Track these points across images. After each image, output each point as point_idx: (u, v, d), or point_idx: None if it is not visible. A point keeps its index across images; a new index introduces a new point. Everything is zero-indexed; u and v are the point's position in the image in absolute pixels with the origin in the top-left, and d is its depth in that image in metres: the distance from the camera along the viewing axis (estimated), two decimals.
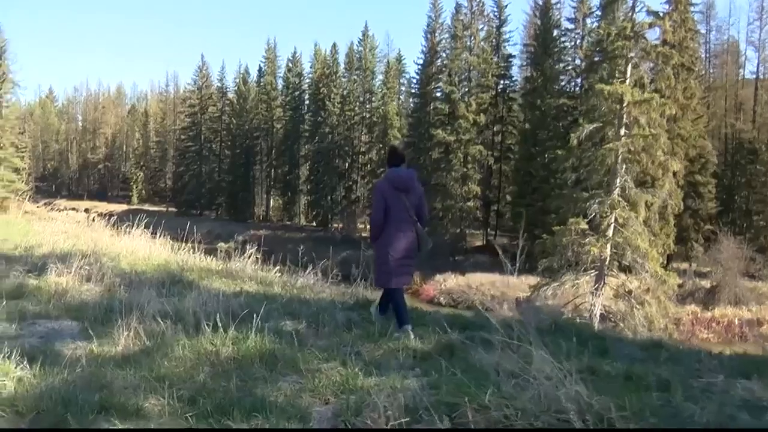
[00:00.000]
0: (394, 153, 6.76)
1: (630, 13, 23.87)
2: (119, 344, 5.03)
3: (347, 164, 67.11)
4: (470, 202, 51.59)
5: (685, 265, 40.42)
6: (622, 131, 24.07)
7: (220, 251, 13.03)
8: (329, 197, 67.01)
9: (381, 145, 63.58)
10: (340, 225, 65.46)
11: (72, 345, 5.16)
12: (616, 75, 25.00)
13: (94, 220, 16.54)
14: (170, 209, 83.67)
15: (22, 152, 63.63)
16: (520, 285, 43.73)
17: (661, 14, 23.33)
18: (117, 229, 14.73)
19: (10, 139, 59.51)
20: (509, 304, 41.07)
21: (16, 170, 59.81)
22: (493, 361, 4.17)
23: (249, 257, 10.06)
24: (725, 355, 6.40)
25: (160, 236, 12.62)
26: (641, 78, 24.45)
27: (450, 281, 44.63)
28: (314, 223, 69.46)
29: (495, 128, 55.92)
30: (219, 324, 5.00)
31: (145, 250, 11.00)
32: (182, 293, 6.93)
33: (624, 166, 23.51)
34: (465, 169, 51.10)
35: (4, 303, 6.04)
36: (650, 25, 22.94)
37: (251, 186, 77.58)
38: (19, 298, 6.54)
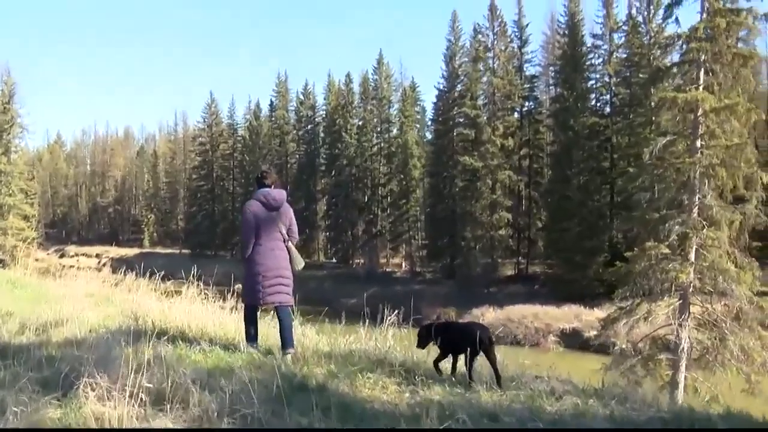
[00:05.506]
0: (264, 175, 6.79)
1: (702, 13, 21.59)
2: None
3: (366, 197, 64.57)
4: (501, 231, 49.14)
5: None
6: (698, 143, 21.61)
7: None
8: (349, 232, 64.47)
9: (402, 176, 61.25)
10: (363, 261, 62.87)
11: None
12: (685, 82, 22.66)
13: (127, 273, 13.53)
14: (183, 251, 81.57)
15: (32, 199, 62.18)
16: (564, 316, 41.23)
17: (740, 11, 20.98)
18: (155, 282, 12.01)
19: (20, 185, 58.09)
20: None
21: (26, 217, 58.19)
22: None
23: (387, 327, 6.89)
24: None
25: (217, 294, 9.38)
26: (712, 84, 22.06)
27: (488, 315, 41.70)
28: (334, 260, 66.88)
29: (522, 152, 53.61)
30: None
31: (213, 321, 7.82)
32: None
33: (705, 182, 21.00)
34: (494, 196, 48.76)
35: None
36: (728, 25, 20.65)
37: None
38: None
